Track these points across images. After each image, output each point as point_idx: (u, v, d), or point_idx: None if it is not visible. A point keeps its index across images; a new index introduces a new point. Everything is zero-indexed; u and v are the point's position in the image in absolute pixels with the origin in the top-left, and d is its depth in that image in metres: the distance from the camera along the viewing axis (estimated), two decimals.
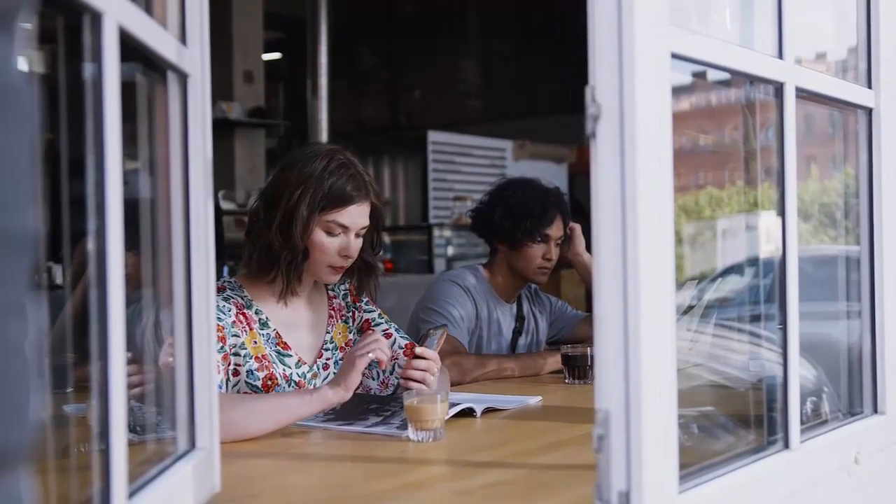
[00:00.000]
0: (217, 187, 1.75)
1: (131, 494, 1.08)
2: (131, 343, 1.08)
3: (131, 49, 1.11)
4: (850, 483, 1.66)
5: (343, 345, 2.36)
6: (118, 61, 1.03)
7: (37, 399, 0.55)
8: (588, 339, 2.96)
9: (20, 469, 0.53)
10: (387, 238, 7.69)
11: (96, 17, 1.00)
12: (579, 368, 2.64)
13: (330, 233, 2.18)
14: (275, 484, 1.60)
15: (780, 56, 1.51)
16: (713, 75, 1.55)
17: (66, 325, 1.90)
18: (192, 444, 1.37)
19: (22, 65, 0.53)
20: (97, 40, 1.00)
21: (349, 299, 2.41)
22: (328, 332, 2.34)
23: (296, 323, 2.28)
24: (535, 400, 2.34)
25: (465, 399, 2.18)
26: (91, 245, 1.01)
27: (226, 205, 6.99)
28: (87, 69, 1.02)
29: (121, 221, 1.02)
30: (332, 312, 2.37)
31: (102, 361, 1.01)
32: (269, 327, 2.22)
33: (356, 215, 2.19)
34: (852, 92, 1.76)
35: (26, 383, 0.53)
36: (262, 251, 2.19)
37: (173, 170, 1.36)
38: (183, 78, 1.35)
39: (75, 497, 1.12)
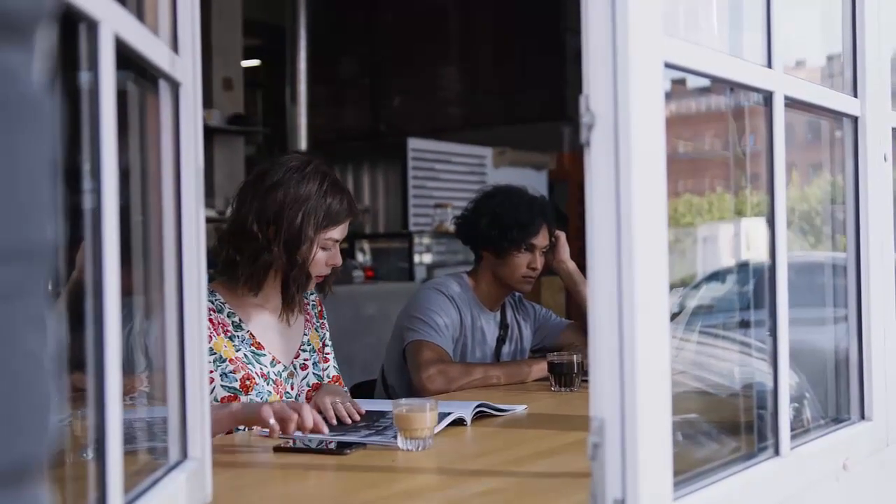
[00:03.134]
0: None
1: None
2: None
3: (123, 57, 1.10)
4: (838, 489, 1.67)
5: (317, 349, 2.45)
6: (114, 69, 1.02)
7: (55, 411, 0.55)
8: (573, 347, 2.97)
9: (39, 481, 0.53)
10: (367, 245, 7.68)
11: (92, 26, 0.99)
12: (565, 376, 2.65)
13: (325, 248, 2.29)
14: (266, 494, 1.59)
15: (769, 65, 1.52)
16: (692, 82, 1.56)
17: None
18: (185, 455, 1.36)
19: (41, 77, 0.53)
20: (93, 48, 1.00)
21: (316, 311, 2.51)
22: (305, 335, 2.42)
23: (272, 324, 2.35)
24: (521, 408, 2.35)
25: (454, 408, 2.18)
26: (87, 253, 1.00)
27: (205, 212, 6.96)
28: (83, 77, 1.01)
29: (117, 230, 1.02)
30: (308, 316, 2.46)
31: (98, 371, 1.00)
32: (243, 329, 2.29)
33: (346, 228, 2.34)
34: (838, 100, 1.78)
35: (46, 395, 0.53)
36: (261, 270, 2.26)
37: (164, 178, 1.35)
38: (175, 86, 1.34)
39: None
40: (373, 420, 2.14)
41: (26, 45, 0.52)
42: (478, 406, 2.18)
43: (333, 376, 2.47)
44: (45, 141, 0.53)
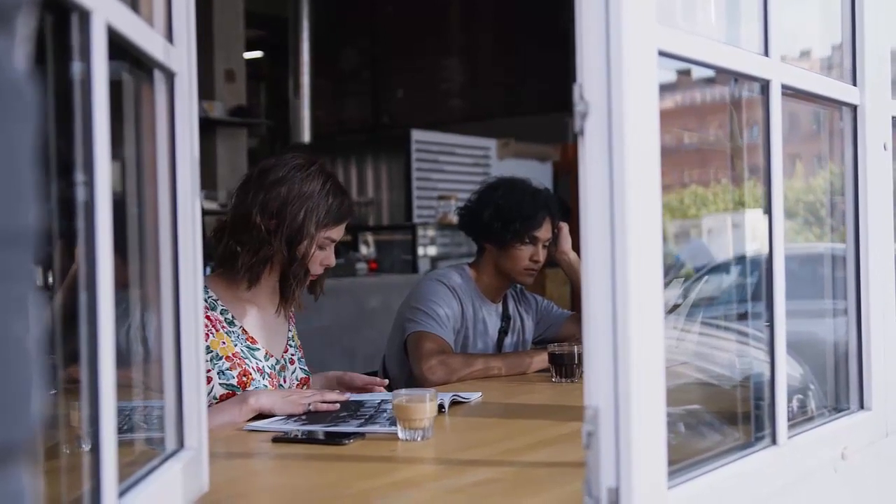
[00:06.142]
0: None
1: (121, 494, 1.08)
2: (116, 344, 1.08)
3: (117, 47, 1.10)
4: (836, 478, 1.67)
5: (298, 345, 2.50)
6: (106, 60, 1.02)
7: (38, 396, 0.55)
8: (574, 338, 2.97)
9: (23, 465, 0.53)
10: (370, 238, 7.68)
11: (84, 16, 0.99)
12: (566, 367, 2.65)
13: (321, 247, 2.32)
14: (263, 484, 1.60)
15: (766, 53, 1.51)
16: (697, 73, 1.55)
17: (52, 326, 1.90)
18: (181, 444, 1.36)
19: (22, 63, 0.53)
20: (85, 38, 1.00)
21: (293, 311, 2.53)
22: (290, 331, 2.47)
23: (261, 320, 2.38)
24: (476, 395, 2.37)
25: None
26: (80, 246, 1.00)
27: (207, 205, 6.96)
28: (75, 68, 1.01)
29: (110, 222, 1.02)
30: (291, 314, 2.49)
31: (92, 362, 1.00)
32: (235, 325, 2.31)
33: (343, 230, 2.37)
34: (837, 89, 1.77)
35: (29, 380, 0.53)
36: (261, 262, 2.28)
37: (160, 169, 1.35)
38: (170, 77, 1.34)
39: (64, 497, 1.12)
40: (354, 410, 2.14)
41: (8, 32, 0.52)
42: (452, 400, 2.21)
43: (302, 378, 2.47)
44: (27, 127, 0.53)
